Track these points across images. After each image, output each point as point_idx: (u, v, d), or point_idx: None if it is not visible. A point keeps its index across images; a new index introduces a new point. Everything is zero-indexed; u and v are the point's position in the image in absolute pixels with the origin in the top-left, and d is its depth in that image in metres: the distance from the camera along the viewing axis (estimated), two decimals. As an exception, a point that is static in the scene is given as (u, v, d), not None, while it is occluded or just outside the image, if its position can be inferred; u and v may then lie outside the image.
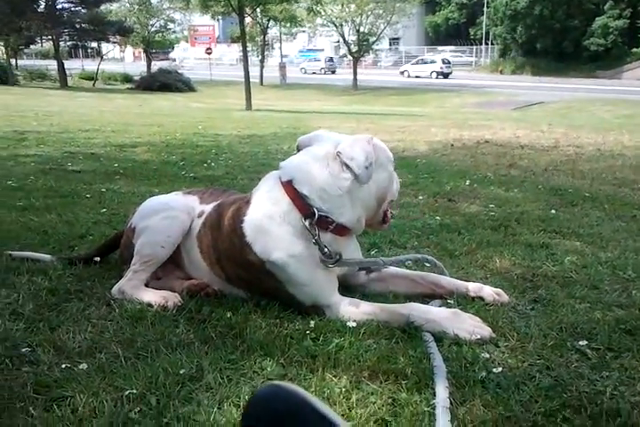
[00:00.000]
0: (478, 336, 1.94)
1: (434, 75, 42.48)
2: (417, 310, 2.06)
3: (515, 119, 16.24)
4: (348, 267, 2.29)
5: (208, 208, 2.45)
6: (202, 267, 2.39)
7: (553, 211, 3.97)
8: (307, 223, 2.10)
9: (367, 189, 2.17)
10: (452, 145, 8.21)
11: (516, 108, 26.88)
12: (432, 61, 44.00)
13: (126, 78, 41.15)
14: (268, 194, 2.21)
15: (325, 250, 2.11)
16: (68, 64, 38.63)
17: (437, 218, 3.73)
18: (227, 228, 2.25)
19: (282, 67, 42.43)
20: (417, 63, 44.58)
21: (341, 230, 2.18)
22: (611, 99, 27.75)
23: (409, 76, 43.07)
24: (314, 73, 47.25)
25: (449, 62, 43.92)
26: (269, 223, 2.14)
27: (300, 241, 2.12)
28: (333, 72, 47.79)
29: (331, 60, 49.67)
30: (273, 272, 2.13)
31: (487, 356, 1.82)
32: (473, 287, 2.34)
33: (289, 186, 2.16)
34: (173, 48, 44.82)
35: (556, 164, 6.39)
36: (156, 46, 45.65)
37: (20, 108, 15.51)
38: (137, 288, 2.33)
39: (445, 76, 42.48)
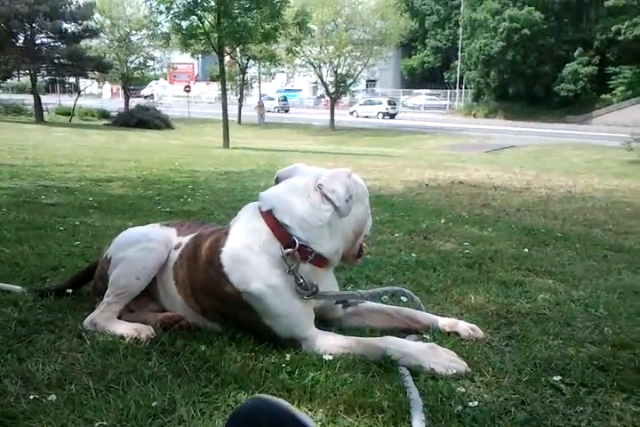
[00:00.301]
0: (454, 371, 1.94)
1: (380, 115, 44.34)
2: (394, 344, 2.06)
3: (488, 161, 16.58)
4: (325, 300, 2.28)
5: (185, 240, 2.44)
6: (177, 299, 2.36)
7: (526, 250, 4.03)
8: (285, 253, 2.10)
9: (346, 222, 2.20)
10: (427, 185, 8.33)
11: (489, 150, 27.45)
12: (379, 102, 45.88)
13: (103, 114, 41.15)
14: (247, 224, 2.22)
15: (301, 281, 2.11)
16: (44, 99, 38.60)
17: (413, 255, 3.75)
18: (203, 259, 2.24)
19: (260, 106, 42.94)
20: (365, 104, 46.30)
21: (320, 261, 2.18)
22: (580, 143, 28.52)
23: (357, 116, 44.79)
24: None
25: (394, 104, 46.33)
26: (248, 253, 2.13)
27: (278, 271, 2.12)
28: (286, 111, 49.11)
29: (284, 99, 50.71)
30: (250, 304, 2.11)
31: (463, 390, 1.82)
32: (448, 322, 2.35)
33: (269, 216, 2.17)
34: (145, 85, 44.88)
35: (529, 204, 6.51)
36: (134, 83, 45.90)
37: (-5, 141, 15.40)
38: (109, 320, 2.30)
39: (391, 116, 44.30)
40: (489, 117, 45.62)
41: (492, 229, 4.85)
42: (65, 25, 34.83)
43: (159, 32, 22.84)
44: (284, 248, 2.11)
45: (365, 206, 2.32)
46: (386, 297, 2.68)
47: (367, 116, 43.41)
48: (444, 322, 2.35)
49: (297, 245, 2.10)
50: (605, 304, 2.80)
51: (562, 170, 13.01)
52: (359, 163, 13.13)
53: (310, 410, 1.67)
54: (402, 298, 2.61)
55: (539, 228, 4.95)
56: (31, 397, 1.69)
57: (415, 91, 54.96)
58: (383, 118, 43.77)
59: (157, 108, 39.14)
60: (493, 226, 5.02)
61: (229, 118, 23.27)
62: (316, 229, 2.15)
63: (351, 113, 43.37)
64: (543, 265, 3.59)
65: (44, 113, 36.81)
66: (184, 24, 21.07)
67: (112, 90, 59.07)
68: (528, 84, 43.62)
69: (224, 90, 23.25)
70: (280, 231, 2.14)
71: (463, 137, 33.66)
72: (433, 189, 7.94)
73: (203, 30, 20.91)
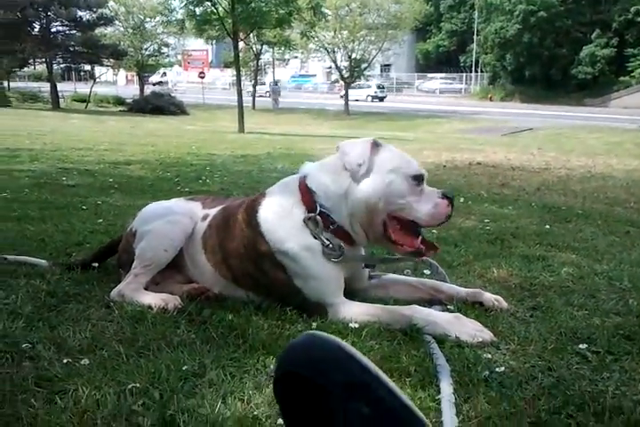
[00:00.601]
0: (480, 339, 1.95)
1: (369, 98, 45.00)
2: (420, 313, 2.07)
3: (505, 144, 16.43)
4: (354, 262, 2.29)
5: (213, 211, 2.47)
6: (206, 268, 2.39)
7: (547, 226, 4.01)
8: (306, 217, 2.15)
9: (363, 192, 2.14)
10: (445, 166, 8.29)
11: (506, 133, 27.19)
12: (367, 86, 46.17)
13: (119, 101, 41.29)
14: (284, 187, 2.30)
15: (327, 242, 2.14)
16: (60, 86, 38.81)
17: (434, 231, 3.74)
18: (240, 221, 2.28)
19: (274, 91, 42.83)
20: (354, 88, 45.83)
21: (342, 234, 2.19)
22: (598, 126, 28.16)
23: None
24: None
25: (383, 87, 47.50)
26: (281, 214, 2.20)
27: (307, 234, 2.15)
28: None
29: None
30: (282, 263, 2.16)
31: (489, 357, 1.83)
32: (473, 293, 2.35)
33: (302, 181, 2.23)
34: (154, 72, 44.68)
35: (548, 184, 6.47)
36: (149, 70, 45.91)
37: (13, 127, 15.51)
38: (137, 291, 2.33)
39: (380, 99, 45.31)
40: (505, 101, 45.19)
41: (512, 208, 4.83)
42: (80, 13, 34.98)
43: (173, 18, 22.81)
44: (308, 213, 2.15)
45: (389, 180, 2.12)
46: (409, 271, 2.68)
47: (357, 100, 43.22)
48: (469, 292, 2.35)
49: (317, 211, 2.15)
50: (630, 277, 2.79)
51: (580, 151, 12.88)
52: (375, 146, 13.08)
53: (338, 374, 1.68)
54: (425, 271, 2.61)
55: (559, 205, 4.92)
56: (64, 361, 1.72)
57: (430, 75, 54.50)
58: (372, 101, 44.42)
59: (172, 95, 39.20)
60: (513, 204, 5.00)
61: (244, 104, 23.25)
62: (336, 197, 2.17)
63: (341, 96, 43.38)
64: (565, 240, 3.57)
65: (60, 100, 37.03)
66: (198, 10, 21.01)
67: (127, 77, 59.13)
68: (545, 67, 43.12)
69: (238, 76, 23.19)
70: (307, 197, 2.19)
71: (479, 120, 33.35)
72: (451, 169, 7.90)
73: (217, 16, 20.84)
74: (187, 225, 2.43)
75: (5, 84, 38.09)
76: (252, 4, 20.72)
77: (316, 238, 2.15)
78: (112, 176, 6.28)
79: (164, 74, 44.77)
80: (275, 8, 20.71)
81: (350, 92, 44.17)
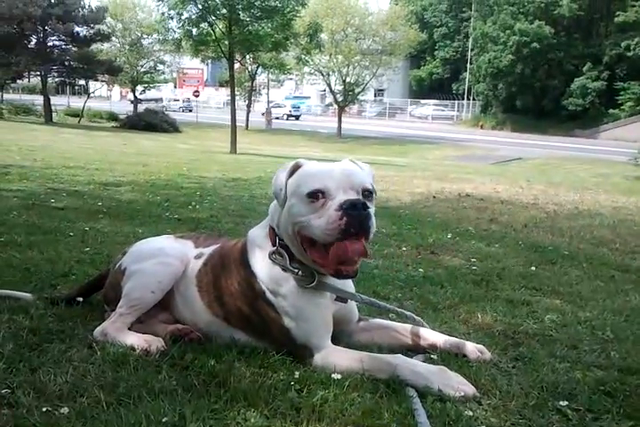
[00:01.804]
0: (462, 393, 1.95)
1: (285, 116, 49.27)
2: (405, 362, 2.07)
3: (494, 174, 16.59)
4: (329, 293, 2.24)
5: (208, 250, 2.49)
6: (198, 306, 2.39)
7: (533, 268, 4.04)
8: (270, 252, 2.21)
9: (283, 215, 2.18)
10: (434, 197, 8.34)
11: (495, 162, 27.49)
12: (284, 105, 51.25)
13: (112, 117, 41.37)
14: (262, 225, 2.36)
15: (296, 271, 2.17)
16: (54, 100, 38.83)
17: (420, 270, 3.77)
18: (235, 262, 2.32)
19: (268, 112, 43.13)
20: (274, 106, 49.25)
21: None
22: (588, 157, 28.56)
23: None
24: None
25: (298, 107, 52.93)
26: (263, 254, 2.25)
27: (279, 269, 2.21)
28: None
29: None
30: (272, 302, 2.18)
31: (470, 414, 1.82)
32: (456, 343, 2.35)
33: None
34: (145, 90, 44.98)
35: (536, 220, 6.52)
36: (144, 86, 46.09)
37: (4, 142, 15.46)
38: (120, 331, 2.31)
39: (296, 117, 50.34)
40: (496, 129, 45.73)
41: (499, 246, 4.86)
42: (77, 28, 35.19)
43: (170, 37, 22.99)
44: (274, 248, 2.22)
45: (289, 202, 2.12)
46: (393, 315, 2.68)
47: (277, 118, 45.79)
48: (452, 343, 2.35)
49: (277, 244, 2.21)
50: (612, 327, 2.81)
51: (569, 184, 13.01)
52: (366, 173, 13.15)
53: (319, 430, 1.68)
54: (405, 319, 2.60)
55: (546, 245, 4.96)
56: (44, 409, 1.70)
57: (423, 101, 55.11)
58: (288, 119, 48.45)
59: (165, 112, 39.34)
60: (500, 242, 5.03)
61: (237, 124, 23.37)
62: (280, 226, 2.22)
63: (262, 114, 44.36)
64: (550, 284, 3.60)
65: (53, 114, 37.01)
66: (195, 31, 21.20)
67: (121, 92, 59.34)
68: (536, 98, 43.76)
69: (233, 96, 23.38)
70: (271, 232, 2.27)
71: (470, 148, 33.71)
72: (440, 201, 7.96)
73: (214, 37, 21.03)
74: (177, 267, 2.43)
75: (-1, 95, 38.08)
76: (249, 28, 20.94)
77: (285, 271, 2.18)
78: (101, 199, 6.26)
79: (143, 91, 45.05)
80: (271, 32, 20.92)
81: (272, 110, 45.58)
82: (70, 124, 35.65)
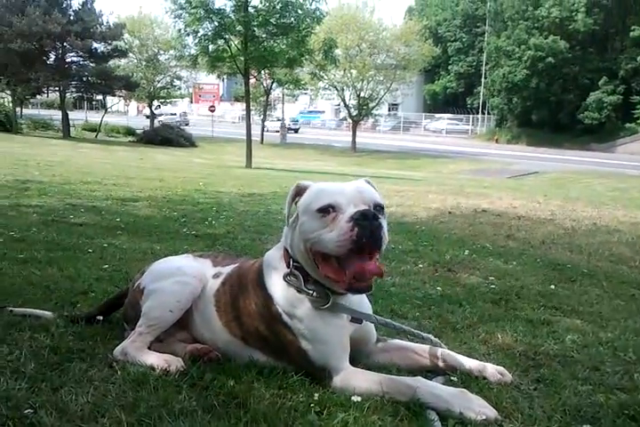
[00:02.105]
0: (484, 417, 1.92)
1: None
2: (425, 385, 2.05)
3: (510, 188, 16.50)
4: (346, 314, 2.23)
5: (226, 270, 2.50)
6: (216, 326, 2.39)
7: (552, 286, 4.01)
8: (284, 274, 2.22)
9: (295, 235, 2.21)
10: (450, 212, 8.32)
11: (511, 176, 27.37)
12: (283, 119, 50.92)
13: (129, 131, 41.90)
14: (277, 247, 2.37)
15: (311, 292, 2.17)
16: (72, 115, 39.40)
17: (438, 288, 3.75)
18: (253, 283, 2.32)
19: (282, 127, 43.41)
20: (272, 120, 50.40)
21: (320, 283, 2.20)
22: (604, 172, 28.36)
23: (268, 130, 46.12)
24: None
25: (297, 121, 55.14)
26: (278, 276, 2.26)
27: (294, 291, 2.21)
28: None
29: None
30: (289, 325, 2.18)
31: (492, 438, 1.80)
32: (477, 366, 2.32)
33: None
34: (159, 105, 45.65)
35: (554, 237, 6.47)
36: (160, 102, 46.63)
37: (23, 157, 15.70)
38: (140, 350, 2.32)
39: (295, 131, 51.33)
40: (511, 143, 45.64)
41: (517, 263, 4.82)
42: (95, 44, 35.79)
43: (187, 53, 23.27)
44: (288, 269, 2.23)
45: (300, 220, 2.16)
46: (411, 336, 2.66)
47: (277, 131, 45.84)
48: (472, 365, 2.33)
49: (291, 266, 2.21)
50: (634, 348, 2.77)
51: (586, 199, 12.90)
52: (381, 187, 12.90)
53: (340, 454, 1.67)
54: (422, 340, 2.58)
55: (564, 262, 4.91)
56: (66, 430, 1.71)
57: (437, 115, 55.18)
58: (288, 132, 47.18)
59: (182, 128, 39.74)
60: (518, 259, 5.00)
61: (252, 138, 23.53)
62: (293, 247, 2.23)
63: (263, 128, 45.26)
64: (570, 303, 3.56)
65: (71, 129, 37.54)
66: (211, 47, 21.44)
67: (138, 107, 60.07)
68: (552, 112, 43.67)
69: (248, 111, 23.55)
70: (285, 254, 2.28)
71: (485, 162, 33.63)
72: (456, 217, 7.93)
73: (229, 53, 21.26)
74: (195, 287, 2.44)
75: (18, 110, 38.63)
76: (265, 44, 21.15)
77: (300, 292, 2.18)
78: (119, 215, 6.32)
79: (159, 106, 45.74)
80: (287, 48, 21.11)
81: (270, 124, 46.27)
82: (88, 139, 36.13)
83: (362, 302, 2.37)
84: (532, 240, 6.15)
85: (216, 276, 2.49)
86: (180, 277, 2.45)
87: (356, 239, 1.99)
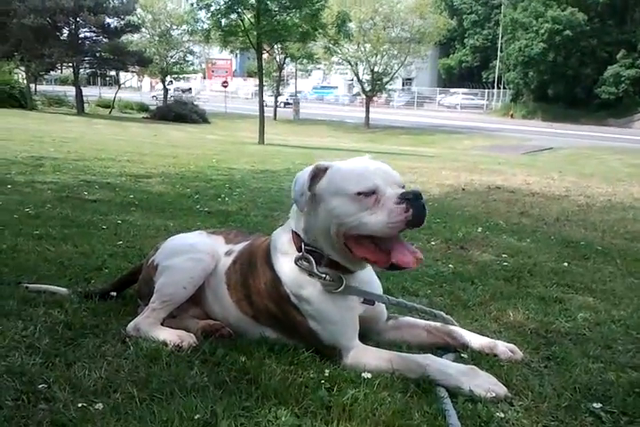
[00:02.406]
0: (494, 394, 1.93)
1: (282, 104, 47.04)
2: (435, 362, 2.06)
3: (525, 164, 16.34)
4: (358, 296, 2.26)
5: (237, 247, 2.50)
6: (228, 303, 2.41)
7: (565, 264, 3.98)
8: (296, 258, 2.20)
9: (315, 224, 2.18)
10: (464, 189, 8.26)
11: (526, 152, 27.09)
12: (296, 95, 49.25)
13: (142, 107, 41.85)
14: (283, 229, 2.36)
15: (324, 276, 2.16)
16: (85, 91, 39.36)
17: (450, 266, 3.74)
18: (262, 262, 2.32)
19: (295, 103, 43.11)
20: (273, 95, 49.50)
21: (335, 264, 2.20)
22: (621, 147, 27.96)
23: (266, 105, 45.78)
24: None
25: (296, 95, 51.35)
26: (286, 259, 2.25)
27: (306, 275, 2.20)
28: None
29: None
30: (298, 306, 2.19)
31: (502, 415, 1.81)
32: (487, 344, 2.32)
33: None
34: (172, 81, 45.28)
35: (568, 214, 6.41)
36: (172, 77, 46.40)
37: (39, 133, 15.76)
38: (153, 326, 2.35)
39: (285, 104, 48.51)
40: (527, 118, 45.04)
41: (530, 240, 4.79)
42: (108, 20, 35.60)
43: (199, 28, 23.08)
44: (299, 252, 2.22)
45: (330, 205, 2.11)
46: (423, 314, 2.66)
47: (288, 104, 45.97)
48: (483, 343, 2.33)
49: (303, 250, 2.20)
50: (647, 326, 2.75)
51: (601, 176, 12.75)
52: (394, 163, 12.82)
53: (350, 430, 1.68)
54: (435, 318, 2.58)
55: (578, 240, 4.87)
56: (79, 404, 1.74)
57: (452, 90, 54.49)
58: (285, 107, 46.24)
59: (195, 103, 39.59)
60: (532, 236, 4.96)
61: (265, 114, 23.42)
62: (310, 230, 2.20)
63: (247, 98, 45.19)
64: (583, 281, 3.54)
65: (85, 105, 37.54)
66: (224, 21, 21.24)
67: (151, 83, 59.84)
68: (568, 86, 42.93)
69: (261, 87, 23.40)
70: (295, 237, 2.26)
71: (500, 138, 33.28)
72: (469, 194, 7.88)
73: (242, 28, 21.05)
74: (208, 263, 2.45)
75: (32, 87, 38.67)
76: (277, 17, 20.90)
77: (312, 276, 2.18)
78: (133, 191, 6.35)
79: (171, 82, 45.46)
80: (299, 22, 20.85)
81: (269, 98, 45.92)
82: (102, 115, 36.15)
83: (372, 282, 2.38)
84: (546, 217, 6.10)
85: (228, 253, 2.50)
86: (194, 254, 2.46)
87: (411, 219, 2.02)
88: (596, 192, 8.68)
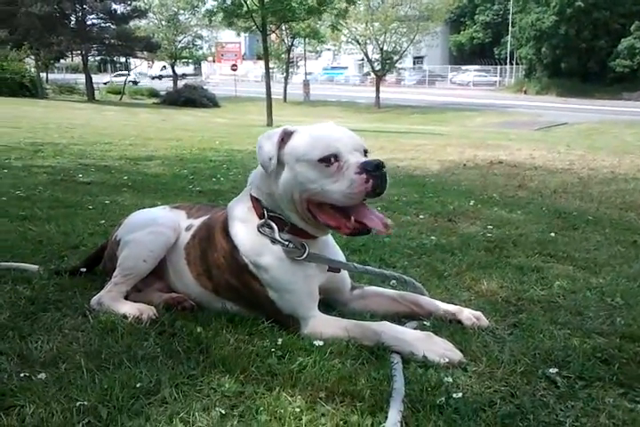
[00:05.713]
0: (447, 360, 1.91)
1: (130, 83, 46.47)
2: (389, 329, 2.04)
3: (535, 140, 16.12)
4: (319, 264, 2.22)
5: (197, 222, 2.48)
6: (188, 278, 2.40)
7: (552, 234, 3.91)
8: (258, 224, 2.17)
9: (278, 188, 2.14)
10: (465, 165, 8.17)
11: (540, 128, 26.74)
12: (128, 75, 48.51)
13: (152, 93, 41.84)
14: (241, 197, 2.34)
15: (286, 243, 2.14)
16: (96, 78, 39.45)
17: (433, 238, 3.69)
18: (219, 235, 2.29)
19: (305, 84, 42.83)
20: (116, 76, 50.34)
21: (298, 231, 2.18)
22: (636, 121, 27.45)
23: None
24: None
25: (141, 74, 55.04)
26: (245, 225, 2.23)
27: (268, 242, 2.17)
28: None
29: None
30: (256, 275, 2.17)
31: (450, 380, 1.78)
32: (453, 309, 2.30)
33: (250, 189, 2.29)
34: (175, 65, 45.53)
35: (566, 186, 6.31)
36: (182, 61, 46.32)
37: (46, 120, 15.81)
38: (115, 300, 2.34)
39: (135, 83, 49.91)
40: (541, 94, 44.35)
41: (521, 212, 4.73)
42: (114, 6, 35.47)
43: (203, 9, 22.93)
44: (260, 219, 2.19)
45: (294, 170, 2.08)
46: (394, 282, 2.63)
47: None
48: (449, 309, 2.30)
49: (266, 216, 2.17)
50: (623, 293, 2.69)
51: (610, 149, 12.51)
52: (399, 141, 12.96)
53: (291, 396, 1.67)
54: (400, 283, 2.55)
55: (571, 211, 4.79)
56: (22, 375, 1.74)
57: (464, 67, 53.76)
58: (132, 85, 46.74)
59: (204, 87, 39.53)
60: (524, 208, 4.89)
61: (275, 96, 23.30)
62: (271, 195, 2.18)
63: (105, 83, 44.87)
64: (566, 250, 3.47)
65: (96, 92, 37.65)
66: (228, 1, 21.07)
67: (161, 69, 59.75)
68: (582, 60, 42.14)
69: (267, 68, 23.25)
70: (255, 204, 2.23)
71: (513, 114, 32.87)
72: (470, 169, 7.79)
73: (246, 8, 20.86)
74: (169, 237, 2.44)
75: (43, 75, 38.81)
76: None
77: (274, 243, 2.15)
78: (128, 173, 6.35)
79: (164, 67, 45.69)
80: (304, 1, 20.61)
81: (114, 78, 46.90)
82: (112, 102, 36.22)
83: (336, 253, 2.36)
84: (544, 190, 6.00)
85: (188, 228, 2.48)
86: (154, 228, 2.45)
87: (370, 191, 1.99)
88: (601, 165, 8.53)
